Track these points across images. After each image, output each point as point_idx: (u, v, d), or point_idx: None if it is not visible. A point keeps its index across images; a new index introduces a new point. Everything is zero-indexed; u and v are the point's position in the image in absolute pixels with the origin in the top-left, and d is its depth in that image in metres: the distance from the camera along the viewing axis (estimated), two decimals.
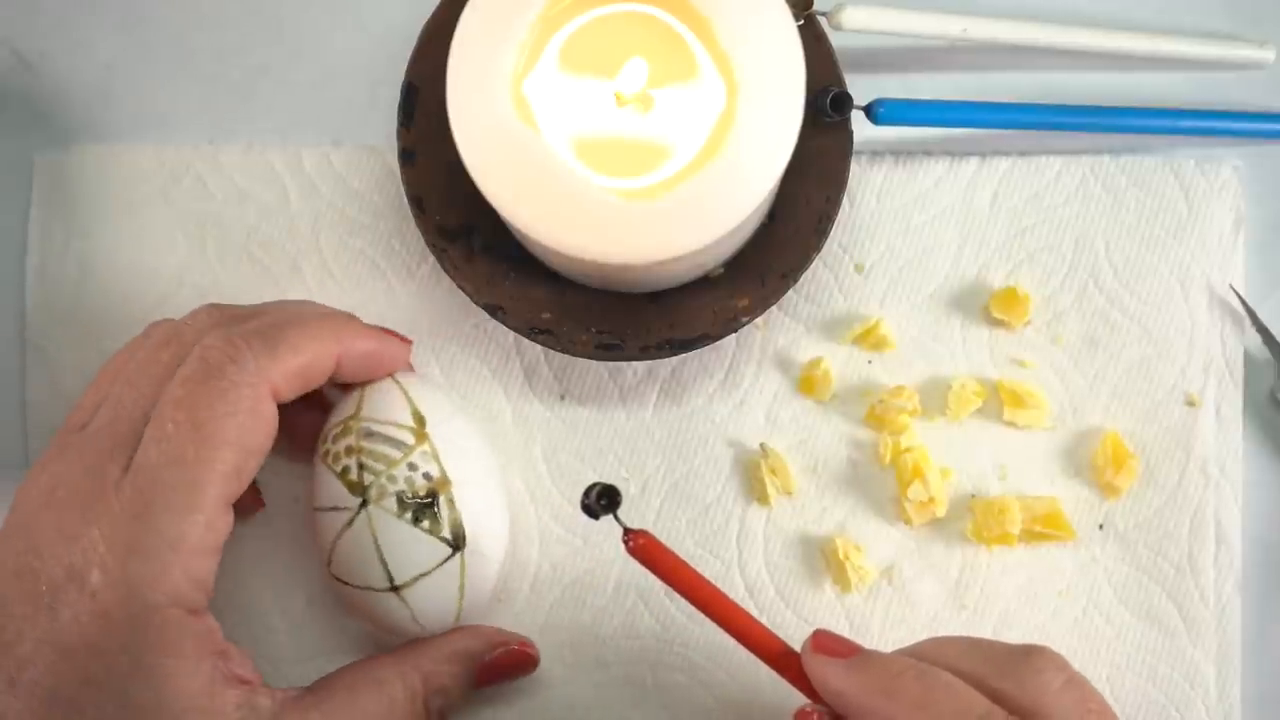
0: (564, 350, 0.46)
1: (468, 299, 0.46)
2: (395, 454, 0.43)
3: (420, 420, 0.44)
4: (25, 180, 0.50)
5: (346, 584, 0.43)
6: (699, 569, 0.47)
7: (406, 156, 0.46)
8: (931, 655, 0.39)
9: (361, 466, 0.43)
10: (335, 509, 0.43)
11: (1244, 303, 0.48)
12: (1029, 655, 0.38)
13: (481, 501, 0.44)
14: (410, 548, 0.42)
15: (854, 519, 0.48)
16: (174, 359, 0.41)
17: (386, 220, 0.50)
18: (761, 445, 0.48)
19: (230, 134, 0.50)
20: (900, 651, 0.39)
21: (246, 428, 0.39)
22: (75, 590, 0.37)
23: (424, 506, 0.43)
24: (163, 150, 0.50)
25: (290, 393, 0.41)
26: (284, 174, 0.50)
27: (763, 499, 0.48)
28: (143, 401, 0.40)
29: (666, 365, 0.49)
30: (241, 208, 0.50)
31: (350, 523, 0.42)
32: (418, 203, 0.46)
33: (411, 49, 0.46)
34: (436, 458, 0.43)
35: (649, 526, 0.48)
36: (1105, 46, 0.49)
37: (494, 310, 0.46)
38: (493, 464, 0.46)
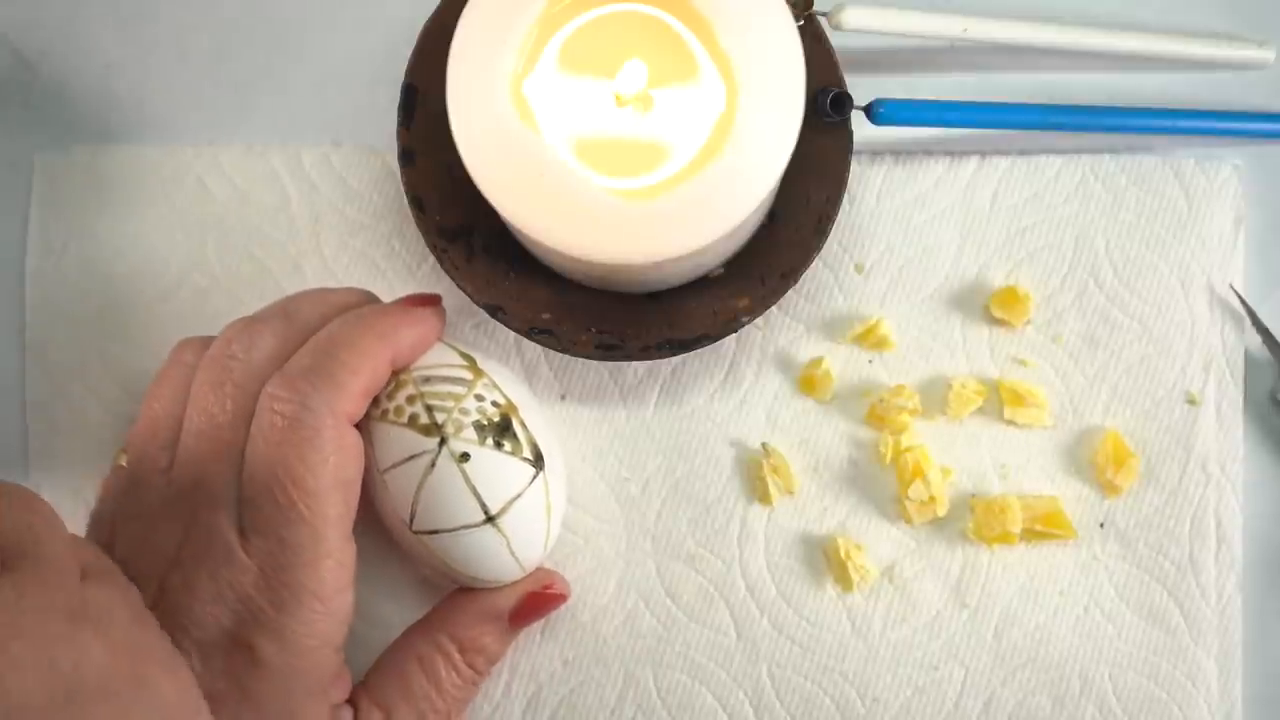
0: (564, 350, 0.46)
1: (468, 299, 0.46)
2: (460, 390, 0.43)
3: (470, 359, 0.44)
4: (25, 180, 0.50)
5: (438, 532, 0.43)
6: (700, 569, 0.48)
7: (406, 156, 0.46)
8: None
9: (430, 409, 0.43)
10: (411, 458, 0.43)
11: (1244, 303, 0.48)
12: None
13: (542, 424, 0.45)
14: (498, 473, 0.43)
15: (855, 518, 0.48)
16: (235, 402, 0.41)
17: (386, 220, 0.50)
18: (763, 445, 0.48)
19: (230, 134, 0.50)
20: None
21: (341, 465, 0.40)
22: (229, 644, 0.39)
23: (502, 429, 0.43)
24: (163, 150, 0.50)
25: (361, 412, 0.42)
26: (284, 174, 0.50)
27: (764, 498, 0.48)
28: (222, 452, 0.41)
29: (667, 365, 0.49)
30: (242, 208, 0.50)
31: (433, 464, 0.43)
32: (418, 203, 0.46)
33: (411, 49, 0.46)
34: (498, 387, 0.44)
35: (650, 526, 0.48)
36: (1105, 46, 0.49)
37: (494, 310, 0.46)
38: (531, 393, 0.47)
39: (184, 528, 0.40)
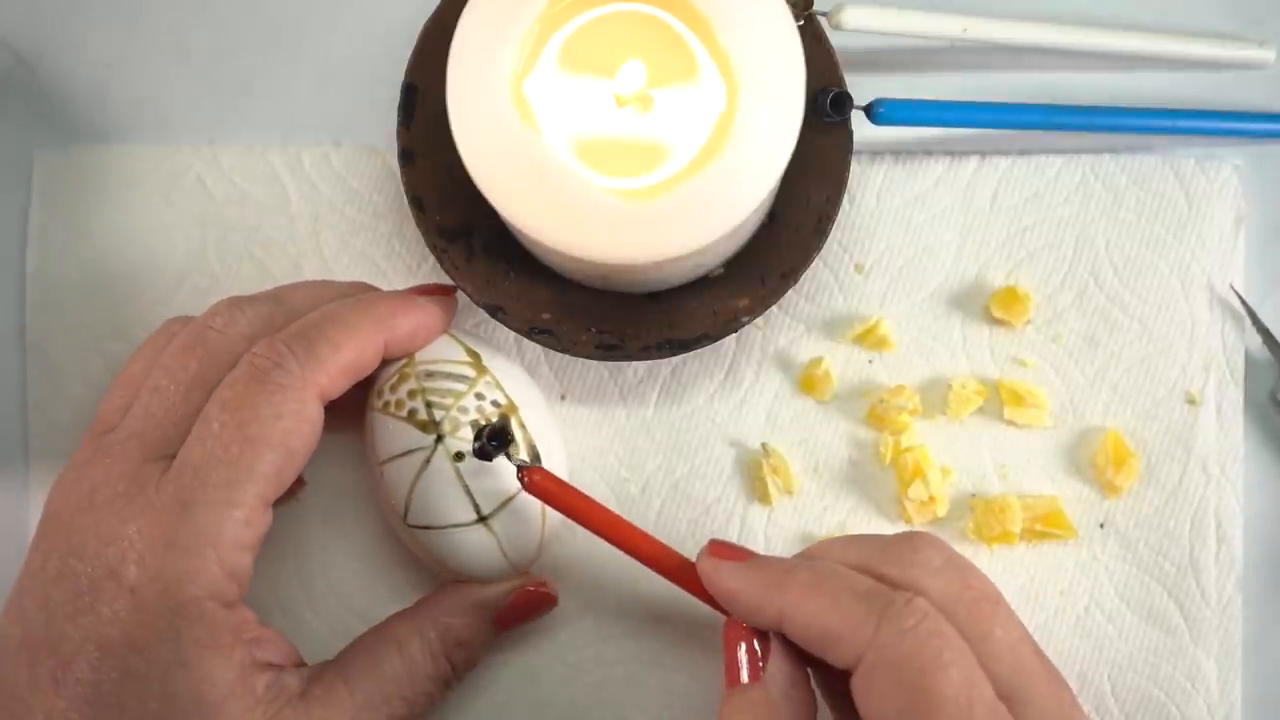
0: (564, 350, 0.46)
1: (468, 299, 0.46)
2: (460, 387, 0.43)
3: (475, 355, 0.45)
4: (25, 180, 0.50)
5: (429, 528, 0.43)
6: None
7: (406, 156, 0.46)
8: (819, 553, 0.40)
9: (429, 405, 0.43)
10: (407, 453, 0.43)
11: (1244, 303, 0.48)
12: (909, 539, 0.39)
13: (544, 424, 0.45)
14: (492, 474, 0.43)
15: (855, 518, 0.48)
16: (202, 365, 0.41)
17: (386, 220, 0.50)
18: (763, 445, 0.48)
19: (230, 134, 0.50)
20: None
21: (291, 430, 0.40)
22: (114, 586, 0.38)
23: (499, 429, 0.43)
24: (163, 150, 0.50)
25: (337, 390, 0.42)
26: (284, 174, 0.50)
27: (764, 498, 0.48)
28: (173, 411, 0.40)
29: (667, 365, 0.49)
30: (242, 208, 0.50)
31: (428, 461, 0.43)
32: (418, 203, 0.46)
33: (411, 49, 0.46)
34: (500, 386, 0.44)
35: (650, 527, 0.48)
36: (1105, 46, 0.49)
37: (494, 310, 0.46)
38: (538, 390, 0.47)
39: (106, 474, 0.40)
